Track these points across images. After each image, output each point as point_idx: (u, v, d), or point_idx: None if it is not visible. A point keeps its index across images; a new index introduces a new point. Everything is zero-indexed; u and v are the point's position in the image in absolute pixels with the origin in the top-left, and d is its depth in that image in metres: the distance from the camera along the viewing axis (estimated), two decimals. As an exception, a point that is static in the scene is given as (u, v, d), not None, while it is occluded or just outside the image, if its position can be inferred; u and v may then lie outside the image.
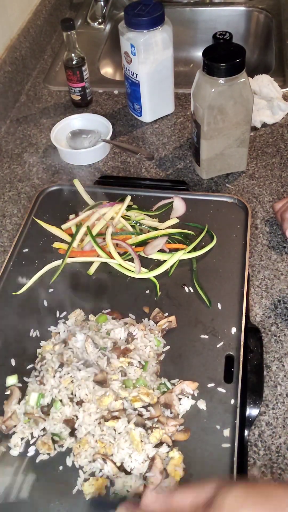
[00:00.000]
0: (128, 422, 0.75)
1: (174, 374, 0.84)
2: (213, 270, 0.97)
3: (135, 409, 0.77)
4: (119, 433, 0.75)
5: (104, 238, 1.01)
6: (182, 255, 0.98)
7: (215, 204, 1.08)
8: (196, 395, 0.81)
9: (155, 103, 1.32)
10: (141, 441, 0.73)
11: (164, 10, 1.18)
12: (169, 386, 0.81)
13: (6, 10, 1.43)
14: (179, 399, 0.80)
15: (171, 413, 0.78)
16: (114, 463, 0.73)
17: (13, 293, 0.96)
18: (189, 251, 0.99)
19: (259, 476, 0.75)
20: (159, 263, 0.99)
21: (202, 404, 0.79)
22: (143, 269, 0.97)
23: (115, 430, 0.75)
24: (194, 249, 1.00)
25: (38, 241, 1.05)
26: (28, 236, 1.06)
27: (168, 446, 0.75)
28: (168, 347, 0.87)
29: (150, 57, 1.21)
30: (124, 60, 1.26)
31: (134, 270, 0.97)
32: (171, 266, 0.98)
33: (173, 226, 1.05)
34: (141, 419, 0.76)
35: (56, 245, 1.03)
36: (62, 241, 1.04)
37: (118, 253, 0.99)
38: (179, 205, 1.08)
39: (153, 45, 1.19)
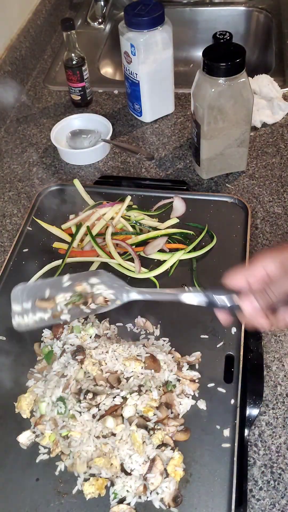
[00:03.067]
0: (130, 424, 0.75)
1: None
2: (213, 270, 0.97)
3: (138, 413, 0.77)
4: (120, 438, 0.74)
5: (104, 238, 1.01)
6: (182, 255, 0.98)
7: (215, 204, 1.08)
8: (196, 395, 0.81)
9: (155, 103, 1.32)
10: (143, 442, 0.73)
11: (164, 10, 1.18)
12: (176, 384, 0.81)
13: (6, 10, 1.43)
14: (180, 399, 0.80)
15: (171, 413, 0.78)
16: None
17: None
18: (189, 251, 0.99)
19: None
20: (159, 263, 0.98)
21: (202, 404, 0.79)
22: (143, 269, 0.97)
23: (115, 434, 0.75)
24: (194, 249, 1.00)
25: (38, 241, 1.05)
26: (28, 236, 1.06)
27: (171, 448, 0.74)
28: (168, 346, 0.87)
29: (150, 57, 1.21)
30: (124, 60, 1.26)
31: (134, 270, 0.97)
32: (171, 266, 0.98)
33: (173, 226, 1.05)
34: (142, 421, 0.75)
35: (56, 245, 1.03)
36: (62, 241, 1.04)
37: (118, 253, 0.99)
38: (179, 205, 1.08)
39: (153, 45, 1.19)
